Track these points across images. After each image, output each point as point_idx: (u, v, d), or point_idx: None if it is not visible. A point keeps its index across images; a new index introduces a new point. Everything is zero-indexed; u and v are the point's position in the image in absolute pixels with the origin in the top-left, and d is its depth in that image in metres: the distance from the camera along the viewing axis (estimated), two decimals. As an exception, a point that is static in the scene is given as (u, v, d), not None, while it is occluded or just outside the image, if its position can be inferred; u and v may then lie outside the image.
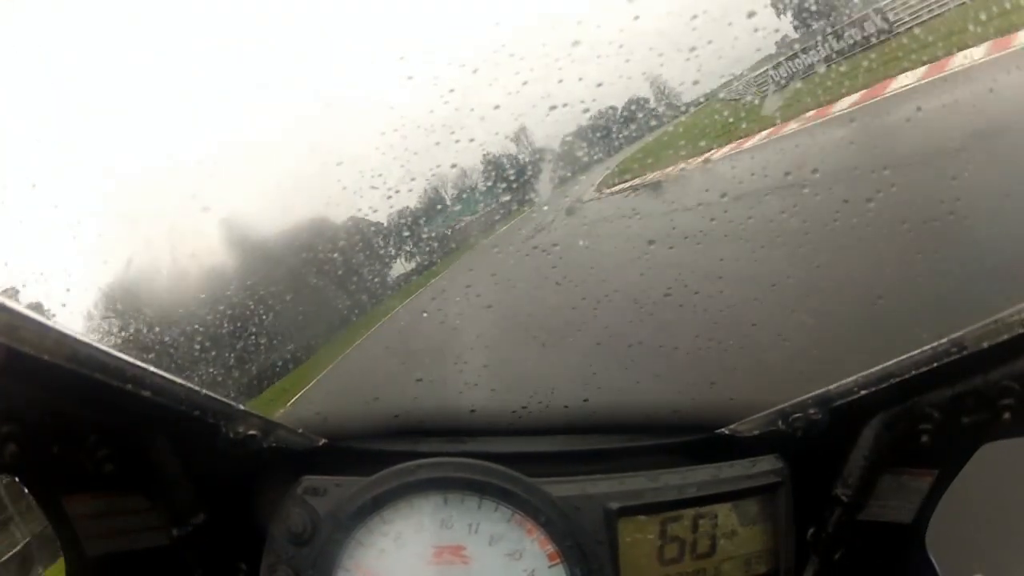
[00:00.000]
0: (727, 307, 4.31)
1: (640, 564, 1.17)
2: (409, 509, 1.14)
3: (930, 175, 4.87)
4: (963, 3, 9.84)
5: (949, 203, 4.14)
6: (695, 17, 3.51)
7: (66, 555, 1.05)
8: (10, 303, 0.74)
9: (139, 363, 0.91)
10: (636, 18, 3.50)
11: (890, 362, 1.05)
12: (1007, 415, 0.99)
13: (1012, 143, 4.71)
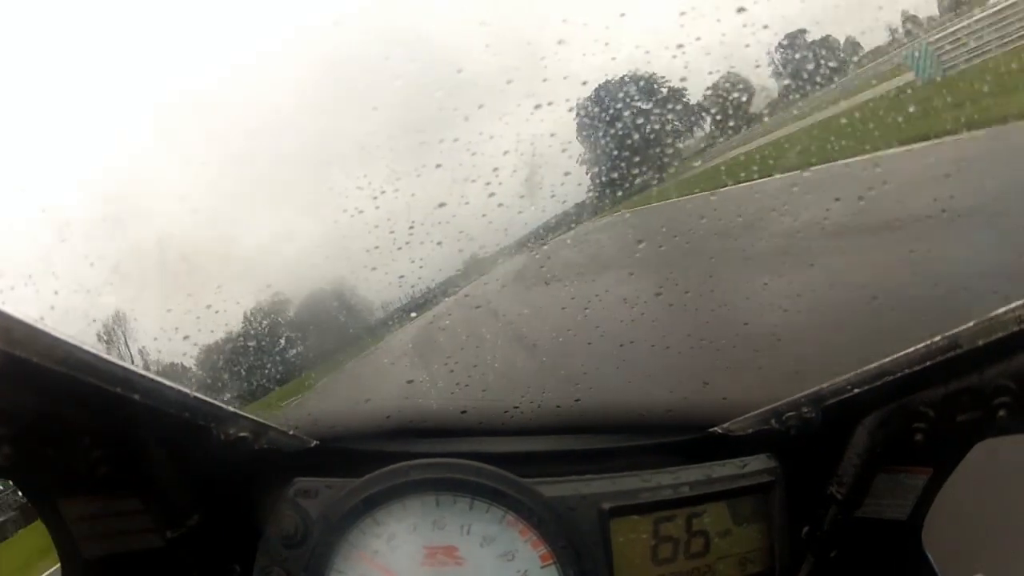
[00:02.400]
0: (719, 306, 4.32)
1: (634, 564, 1.17)
2: (401, 510, 1.14)
3: (923, 172, 4.89)
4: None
5: (943, 200, 4.16)
6: (683, 14, 3.52)
7: (62, 557, 1.04)
8: (3, 307, 0.74)
9: (129, 366, 0.90)
10: (622, 15, 3.50)
11: (884, 360, 1.05)
12: (1002, 412, 0.99)
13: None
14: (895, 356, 1.03)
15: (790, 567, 1.25)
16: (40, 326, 0.78)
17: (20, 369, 0.77)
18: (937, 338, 0.97)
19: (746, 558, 1.23)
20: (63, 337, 0.81)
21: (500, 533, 1.14)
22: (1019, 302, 0.88)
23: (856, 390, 1.11)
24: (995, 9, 11.05)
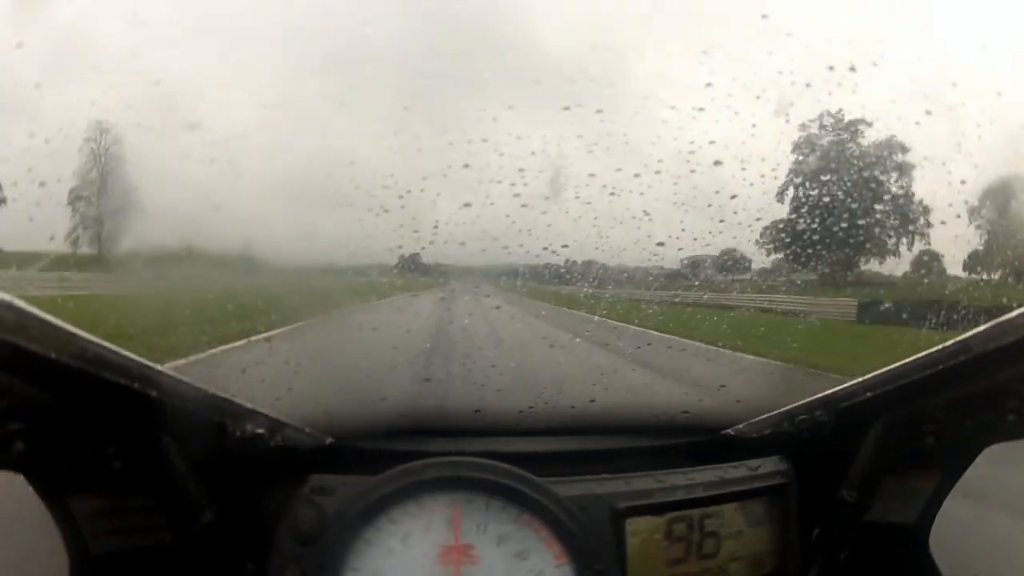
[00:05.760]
0: (735, 308, 4.30)
1: (647, 564, 1.18)
2: (417, 509, 1.14)
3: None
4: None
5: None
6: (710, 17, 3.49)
7: (71, 554, 1.04)
8: (17, 301, 0.73)
9: (146, 361, 0.90)
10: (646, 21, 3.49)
11: (895, 364, 1.05)
12: (1012, 417, 0.98)
13: None
14: (906, 360, 1.03)
15: (800, 569, 1.25)
16: (54, 320, 0.77)
17: (33, 364, 0.77)
18: (949, 342, 0.95)
19: (757, 559, 1.24)
20: (78, 332, 0.80)
21: (515, 532, 1.14)
22: None
23: (868, 394, 1.11)
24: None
